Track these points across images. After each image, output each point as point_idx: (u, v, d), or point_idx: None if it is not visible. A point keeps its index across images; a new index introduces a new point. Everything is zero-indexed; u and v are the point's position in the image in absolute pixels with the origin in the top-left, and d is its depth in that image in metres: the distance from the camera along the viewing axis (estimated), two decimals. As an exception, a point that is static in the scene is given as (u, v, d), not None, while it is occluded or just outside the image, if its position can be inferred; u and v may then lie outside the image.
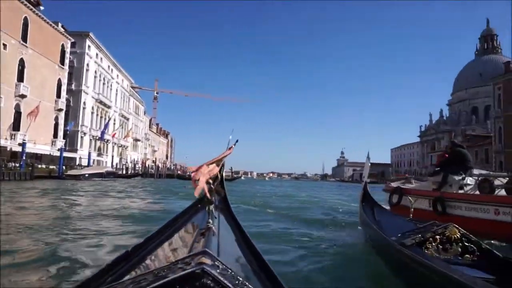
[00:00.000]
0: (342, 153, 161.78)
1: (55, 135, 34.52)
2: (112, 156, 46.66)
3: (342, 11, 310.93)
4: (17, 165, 24.80)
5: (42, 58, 31.86)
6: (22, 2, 28.82)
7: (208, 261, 1.00)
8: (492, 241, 5.15)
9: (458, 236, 2.87)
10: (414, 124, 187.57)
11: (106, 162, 44.67)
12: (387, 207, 7.91)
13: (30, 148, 27.73)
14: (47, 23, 32.84)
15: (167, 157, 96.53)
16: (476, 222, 5.79)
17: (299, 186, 41.15)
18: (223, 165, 2.97)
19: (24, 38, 29.39)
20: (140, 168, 54.14)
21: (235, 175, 78.16)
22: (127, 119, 58.21)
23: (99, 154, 44.63)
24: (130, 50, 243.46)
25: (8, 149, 25.88)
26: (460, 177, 7.08)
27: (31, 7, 30.12)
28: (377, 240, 3.94)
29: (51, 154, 31.08)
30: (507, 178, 6.52)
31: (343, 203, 14.71)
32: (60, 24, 35.71)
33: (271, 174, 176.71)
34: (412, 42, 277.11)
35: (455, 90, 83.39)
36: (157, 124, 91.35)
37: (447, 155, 7.70)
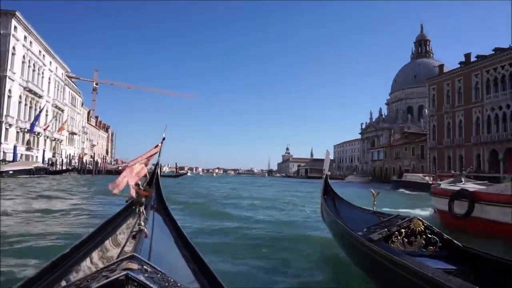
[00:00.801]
0: (287, 149, 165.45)
1: (-27, 126, 30.41)
2: (44, 151, 42.47)
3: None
4: None
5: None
6: None
7: (134, 266, 0.98)
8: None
9: (422, 228, 2.93)
10: (356, 122, 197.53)
11: (36, 157, 40.56)
12: (431, 213, 7.13)
13: None
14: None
15: (107, 152, 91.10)
16: None
17: (259, 184, 40.71)
18: (157, 164, 2.92)
19: None
20: (77, 164, 50.28)
21: (180, 171, 75.94)
22: (62, 111, 53.56)
23: (29, 149, 40.37)
24: (66, 35, 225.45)
25: None
26: None
27: None
28: (343, 235, 3.84)
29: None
30: None
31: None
32: (-21, 0, 31.44)
33: (217, 170, 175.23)
34: (356, 40, 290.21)
35: (393, 90, 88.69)
36: (97, 117, 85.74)
37: None
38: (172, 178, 46.59)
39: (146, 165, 2.51)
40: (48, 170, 33.41)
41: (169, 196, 6.43)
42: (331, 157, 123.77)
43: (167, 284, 0.93)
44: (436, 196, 7.50)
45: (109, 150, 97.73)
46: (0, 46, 34.79)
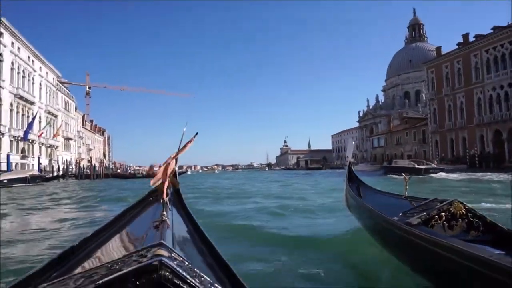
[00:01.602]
0: (285, 141, 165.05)
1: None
2: (39, 158, 41.49)
3: None
4: None
5: None
6: None
7: (165, 253, 0.99)
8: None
9: (464, 211, 2.77)
10: (353, 110, 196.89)
11: (32, 165, 39.63)
12: None
13: None
14: None
15: (104, 156, 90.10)
16: None
17: (265, 179, 39.77)
18: (176, 158, 2.86)
19: None
20: (74, 169, 49.38)
21: (179, 170, 74.90)
22: (56, 116, 52.52)
23: (23, 157, 39.39)
24: (57, 41, 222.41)
25: None
26: None
27: None
28: (375, 221, 3.63)
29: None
30: None
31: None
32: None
33: (215, 167, 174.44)
34: (352, 30, 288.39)
35: (389, 76, 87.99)
36: (91, 121, 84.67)
37: None
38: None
39: (177, 158, 2.60)
40: (44, 177, 32.53)
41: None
42: (330, 147, 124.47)
43: (194, 274, 0.94)
44: None
45: (107, 154, 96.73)
46: (-14, 53, 33.70)
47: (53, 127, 50.67)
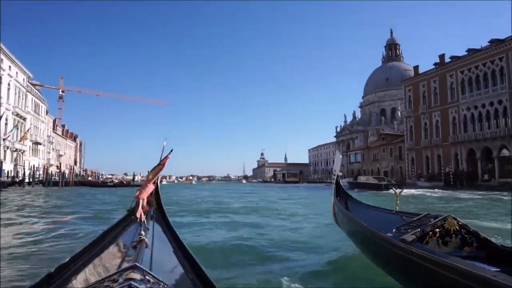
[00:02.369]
0: (262, 154, 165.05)
1: None
2: (1, 163, 38.93)
3: (257, 10, 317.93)
4: None
5: None
6: None
7: (137, 276, 0.99)
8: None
9: (457, 227, 2.77)
10: (330, 125, 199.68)
11: (-5, 169, 37.05)
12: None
13: None
14: None
15: (75, 163, 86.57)
16: None
17: (245, 191, 38.85)
18: (156, 179, 3.01)
19: None
20: (42, 175, 46.80)
21: (154, 180, 72.66)
22: (24, 119, 49.87)
23: (-15, 161, 36.88)
24: (30, 41, 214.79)
25: None
26: None
27: None
28: (368, 237, 3.55)
29: None
30: None
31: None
32: None
33: (191, 177, 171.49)
34: (328, 42, 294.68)
35: (366, 93, 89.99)
36: (63, 126, 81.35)
37: None
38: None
39: (156, 176, 2.81)
40: (5, 183, 30.36)
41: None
42: (306, 160, 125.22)
43: None
44: None
45: (78, 160, 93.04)
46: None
47: (21, 130, 48.05)
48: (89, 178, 70.27)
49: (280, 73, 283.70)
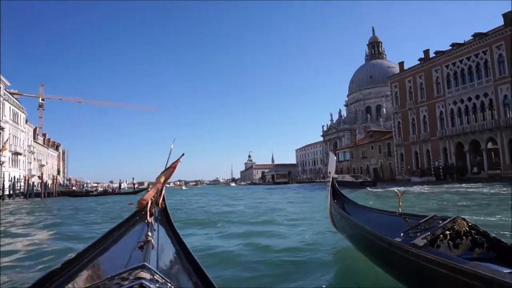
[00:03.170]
0: (249, 156, 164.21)
1: None
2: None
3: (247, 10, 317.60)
4: None
5: None
6: None
7: (147, 275, 1.00)
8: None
9: (467, 228, 2.63)
10: (317, 125, 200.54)
11: (-28, 183, 35.32)
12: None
13: None
14: None
15: (58, 172, 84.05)
16: None
17: (239, 194, 38.16)
18: (165, 181, 3.00)
19: None
20: (23, 187, 44.92)
21: (140, 187, 70.70)
22: (2, 129, 47.91)
23: (-38, 174, 35.08)
24: (7, 48, 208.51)
25: None
26: None
27: None
28: (374, 243, 3.34)
29: None
30: None
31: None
32: None
33: (178, 182, 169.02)
34: (311, 40, 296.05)
35: (350, 91, 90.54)
36: (44, 135, 78.81)
37: None
38: (132, 194, 42.87)
39: (166, 179, 2.90)
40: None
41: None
42: (294, 161, 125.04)
43: None
44: None
45: (61, 170, 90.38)
46: None
47: (-1, 141, 46.12)
48: (74, 187, 68.19)
49: (264, 75, 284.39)
